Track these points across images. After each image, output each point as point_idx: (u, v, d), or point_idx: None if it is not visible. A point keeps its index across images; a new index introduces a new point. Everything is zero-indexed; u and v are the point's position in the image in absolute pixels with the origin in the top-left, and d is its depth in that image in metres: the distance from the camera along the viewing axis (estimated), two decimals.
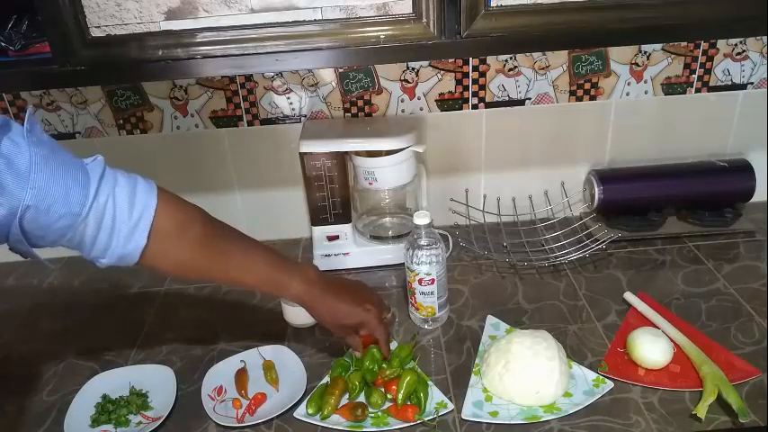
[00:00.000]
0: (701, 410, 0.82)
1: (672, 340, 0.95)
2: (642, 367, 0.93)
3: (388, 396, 0.90)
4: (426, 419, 0.86)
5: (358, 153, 1.15)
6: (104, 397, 0.94)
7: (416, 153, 1.15)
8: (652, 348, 0.92)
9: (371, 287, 1.05)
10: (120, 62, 0.87)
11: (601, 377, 0.91)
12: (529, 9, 0.86)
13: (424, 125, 1.25)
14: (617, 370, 0.92)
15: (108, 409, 0.92)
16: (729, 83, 1.27)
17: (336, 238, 1.23)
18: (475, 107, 1.26)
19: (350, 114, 1.27)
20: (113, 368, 1.01)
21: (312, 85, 1.23)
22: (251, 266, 0.87)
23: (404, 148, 1.13)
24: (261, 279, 0.88)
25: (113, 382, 0.97)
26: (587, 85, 1.26)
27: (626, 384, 0.90)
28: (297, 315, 1.07)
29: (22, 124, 0.66)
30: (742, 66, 1.26)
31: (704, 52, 1.24)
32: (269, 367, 0.98)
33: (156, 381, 0.97)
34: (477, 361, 0.96)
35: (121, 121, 1.25)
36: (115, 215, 0.73)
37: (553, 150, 1.31)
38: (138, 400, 0.93)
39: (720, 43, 1.23)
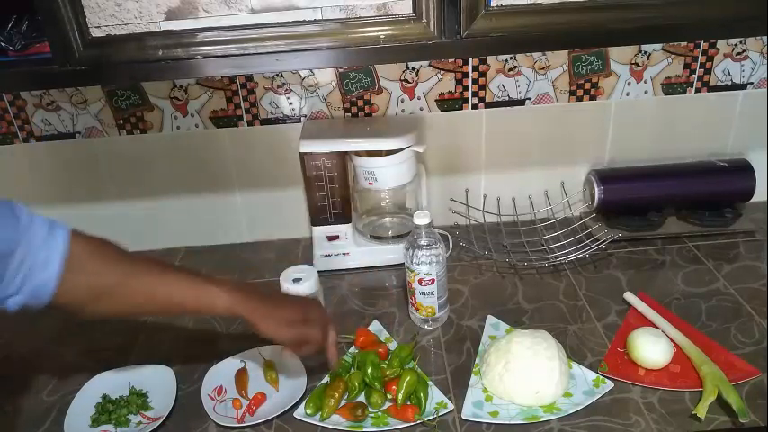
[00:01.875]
0: (701, 410, 0.82)
1: (672, 340, 0.95)
2: (642, 367, 0.93)
3: (388, 396, 0.90)
4: (426, 419, 0.86)
5: (358, 153, 1.15)
6: (104, 397, 0.94)
7: (416, 153, 1.15)
8: (652, 348, 0.92)
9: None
10: (120, 62, 0.87)
11: (601, 377, 0.91)
12: (529, 9, 0.86)
13: (424, 125, 1.25)
14: (617, 370, 0.92)
15: (108, 409, 0.92)
16: (729, 83, 1.27)
17: (336, 238, 1.23)
18: (475, 107, 1.26)
19: (350, 114, 1.27)
20: (113, 368, 1.01)
21: (312, 85, 1.23)
22: (173, 283, 0.81)
23: (404, 148, 1.13)
24: (186, 295, 0.81)
25: (113, 382, 0.97)
26: (587, 85, 1.26)
27: (626, 384, 0.90)
28: None
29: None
30: (742, 66, 1.25)
31: (704, 52, 1.24)
32: (269, 367, 0.98)
33: (156, 381, 0.97)
34: (477, 361, 0.96)
35: (121, 121, 1.24)
36: (31, 244, 0.71)
37: (553, 150, 1.31)
38: (138, 400, 0.93)
39: (720, 43, 1.23)
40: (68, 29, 0.83)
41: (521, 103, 1.27)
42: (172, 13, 0.83)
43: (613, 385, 0.90)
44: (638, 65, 1.25)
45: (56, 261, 0.72)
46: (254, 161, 1.29)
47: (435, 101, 1.26)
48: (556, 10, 0.86)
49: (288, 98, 1.24)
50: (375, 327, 1.06)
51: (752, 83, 1.27)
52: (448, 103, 1.26)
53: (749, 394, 0.86)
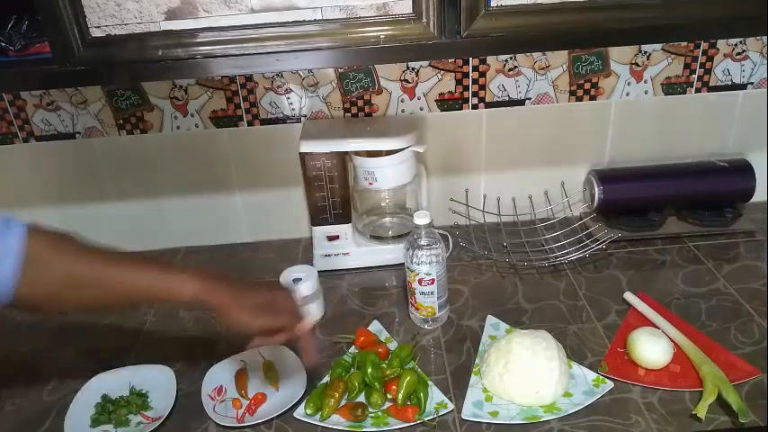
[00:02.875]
0: (701, 410, 0.82)
1: (672, 340, 0.95)
2: (642, 367, 0.93)
3: (388, 396, 0.90)
4: (426, 419, 0.86)
5: (358, 153, 1.15)
6: (104, 397, 0.94)
7: (416, 153, 1.15)
8: (652, 348, 0.92)
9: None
10: (120, 62, 0.87)
11: (601, 377, 0.91)
12: (529, 9, 0.86)
13: (424, 125, 1.25)
14: (617, 370, 0.92)
15: (108, 409, 0.92)
16: (729, 83, 1.27)
17: (336, 238, 1.23)
18: (475, 107, 1.26)
19: (350, 114, 1.27)
20: (113, 368, 1.01)
21: (312, 85, 1.23)
22: (138, 271, 0.79)
23: (404, 148, 1.13)
24: (151, 282, 0.79)
25: (113, 382, 0.97)
26: (587, 85, 1.26)
27: (626, 384, 0.90)
28: None
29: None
30: (742, 66, 1.25)
31: (704, 52, 1.24)
32: (269, 367, 0.98)
33: (156, 381, 0.97)
34: (477, 361, 0.96)
35: (121, 121, 1.24)
36: None
37: (553, 150, 1.31)
38: (138, 400, 0.93)
39: (720, 43, 1.23)
40: (68, 29, 0.83)
41: (521, 103, 1.27)
42: (172, 13, 0.83)
43: (613, 385, 0.90)
44: (638, 65, 1.25)
45: (11, 257, 0.71)
46: (254, 161, 1.29)
47: (435, 101, 1.26)
48: (556, 10, 0.86)
49: (288, 98, 1.24)
50: (375, 327, 1.06)
51: (752, 83, 1.27)
52: (448, 103, 1.26)
53: (749, 394, 0.86)
